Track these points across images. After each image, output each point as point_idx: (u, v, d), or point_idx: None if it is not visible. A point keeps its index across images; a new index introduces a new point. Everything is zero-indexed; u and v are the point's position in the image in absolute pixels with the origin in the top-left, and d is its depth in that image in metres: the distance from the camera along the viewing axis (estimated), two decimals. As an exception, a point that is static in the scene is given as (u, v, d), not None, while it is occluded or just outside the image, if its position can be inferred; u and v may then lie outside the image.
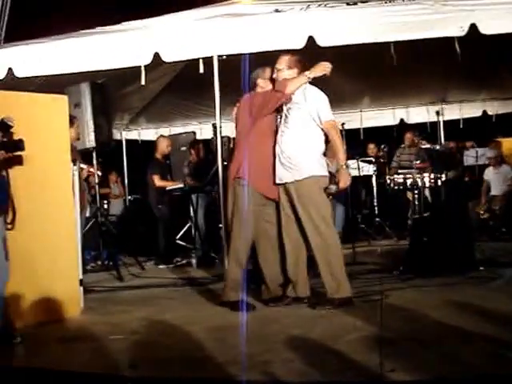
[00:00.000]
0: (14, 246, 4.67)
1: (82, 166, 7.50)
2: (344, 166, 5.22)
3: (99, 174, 8.06)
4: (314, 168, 5.21)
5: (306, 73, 5.33)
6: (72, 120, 6.38)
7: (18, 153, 4.66)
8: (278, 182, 5.29)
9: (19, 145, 4.54)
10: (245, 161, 5.29)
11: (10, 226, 4.68)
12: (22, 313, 4.98)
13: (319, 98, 5.28)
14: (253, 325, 4.64)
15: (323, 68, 5.37)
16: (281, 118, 5.39)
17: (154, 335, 4.67)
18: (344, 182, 5.19)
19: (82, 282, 5.72)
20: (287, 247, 5.33)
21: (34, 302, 5.09)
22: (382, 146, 10.61)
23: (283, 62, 5.38)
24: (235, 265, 5.35)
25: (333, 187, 5.18)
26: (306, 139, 5.26)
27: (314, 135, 5.28)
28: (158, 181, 9.06)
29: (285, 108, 5.34)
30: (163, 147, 9.35)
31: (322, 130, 5.26)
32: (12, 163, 4.77)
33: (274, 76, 5.41)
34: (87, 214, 8.07)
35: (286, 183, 5.25)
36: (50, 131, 5.35)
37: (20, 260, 4.80)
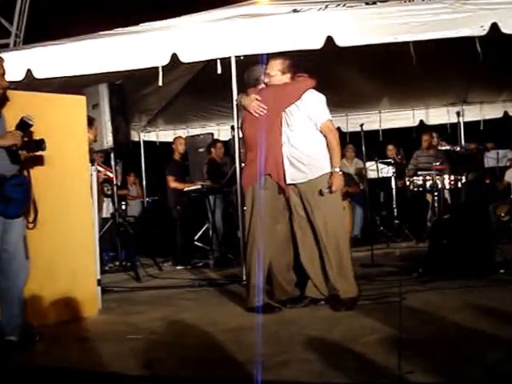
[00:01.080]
0: (34, 246, 4.69)
1: (99, 168, 7.52)
2: (337, 170, 5.14)
3: (111, 175, 8.07)
4: (325, 165, 5.19)
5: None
6: (91, 122, 6.42)
7: (39, 153, 4.70)
8: (289, 182, 5.26)
9: (41, 145, 4.57)
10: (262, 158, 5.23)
11: (31, 226, 4.71)
12: (41, 312, 5.02)
13: (314, 99, 5.23)
14: (270, 326, 4.64)
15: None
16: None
17: (170, 335, 4.69)
18: (336, 186, 5.12)
19: (100, 282, 5.76)
20: (303, 248, 5.31)
21: (53, 301, 5.13)
22: (399, 150, 10.53)
23: (275, 67, 5.29)
24: (256, 273, 5.23)
25: (325, 190, 5.13)
26: (313, 138, 5.23)
27: (320, 133, 5.24)
28: (172, 182, 9.12)
29: (287, 110, 5.28)
30: (178, 147, 9.40)
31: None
32: (33, 163, 4.81)
33: (266, 81, 5.33)
34: (104, 215, 8.15)
35: (297, 183, 5.23)
36: (68, 132, 5.38)
37: (39, 259, 4.83)
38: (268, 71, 5.30)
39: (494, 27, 5.83)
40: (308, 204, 5.19)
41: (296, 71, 5.32)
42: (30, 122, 4.50)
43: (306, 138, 5.24)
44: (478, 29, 5.90)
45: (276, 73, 5.28)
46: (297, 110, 5.23)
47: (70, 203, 5.37)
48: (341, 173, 5.19)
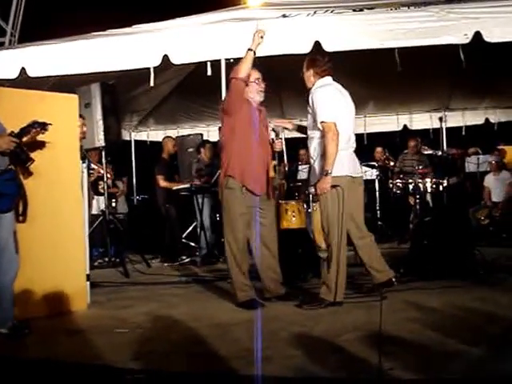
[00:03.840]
0: (24, 240, 4.75)
1: (94, 166, 7.63)
2: (328, 172, 5.10)
3: (108, 174, 8.16)
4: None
5: (250, 47, 5.44)
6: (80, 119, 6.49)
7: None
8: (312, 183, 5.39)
9: (28, 161, 4.66)
10: (231, 160, 5.40)
11: (21, 218, 4.71)
12: (31, 305, 5.08)
13: (318, 99, 5.26)
14: (255, 322, 4.68)
15: (257, 36, 5.48)
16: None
17: (157, 330, 4.75)
18: (320, 189, 5.16)
19: (89, 277, 5.82)
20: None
21: (42, 295, 5.20)
22: (385, 152, 10.67)
23: (304, 66, 5.47)
24: (238, 269, 5.41)
25: (312, 190, 5.25)
26: (320, 141, 5.28)
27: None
28: (161, 181, 9.25)
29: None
30: (169, 147, 9.54)
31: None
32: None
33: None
34: (95, 212, 8.24)
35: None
36: (60, 129, 5.43)
37: (29, 254, 4.88)
38: (302, 69, 5.47)
39: (478, 36, 5.97)
40: None
41: (320, 65, 5.41)
42: (36, 127, 4.60)
43: (315, 142, 5.34)
44: (462, 37, 6.00)
45: (304, 70, 5.45)
46: (310, 114, 5.35)
47: (61, 199, 5.44)
48: (329, 176, 5.12)
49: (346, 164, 5.23)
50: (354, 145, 5.50)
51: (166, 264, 8.68)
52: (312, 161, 5.41)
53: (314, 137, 5.34)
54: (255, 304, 5.30)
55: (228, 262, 5.47)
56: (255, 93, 5.56)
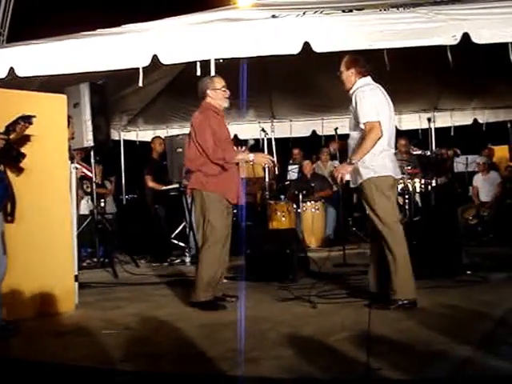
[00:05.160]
0: (12, 241, 4.72)
1: (77, 165, 7.60)
2: (352, 161, 5.11)
3: (89, 174, 8.15)
4: (369, 171, 5.17)
5: (250, 156, 5.63)
6: (68, 120, 6.46)
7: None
8: (351, 185, 5.39)
9: (19, 158, 4.69)
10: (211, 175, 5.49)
11: (9, 219, 4.70)
12: (19, 306, 5.05)
13: (362, 99, 5.16)
14: (243, 322, 4.71)
15: (265, 160, 5.80)
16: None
17: (146, 331, 4.75)
18: (337, 172, 5.23)
19: (77, 278, 5.79)
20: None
21: (30, 296, 5.17)
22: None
23: (342, 64, 5.39)
24: (211, 270, 5.45)
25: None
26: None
27: None
28: (150, 181, 9.27)
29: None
30: (158, 147, 9.56)
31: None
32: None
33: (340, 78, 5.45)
34: (83, 212, 8.23)
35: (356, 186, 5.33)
36: (49, 129, 5.41)
37: (17, 254, 4.86)
38: (339, 68, 5.42)
39: (466, 37, 6.00)
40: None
41: (362, 65, 5.35)
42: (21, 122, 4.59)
43: (357, 141, 5.28)
44: (450, 38, 6.04)
45: (342, 69, 5.37)
46: (352, 115, 5.29)
47: (49, 200, 5.41)
48: (351, 165, 5.14)
49: (388, 164, 5.20)
50: (394, 146, 5.48)
51: (154, 264, 8.67)
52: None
53: (356, 137, 5.27)
54: (216, 305, 5.40)
55: (204, 261, 5.46)
56: (223, 100, 5.65)
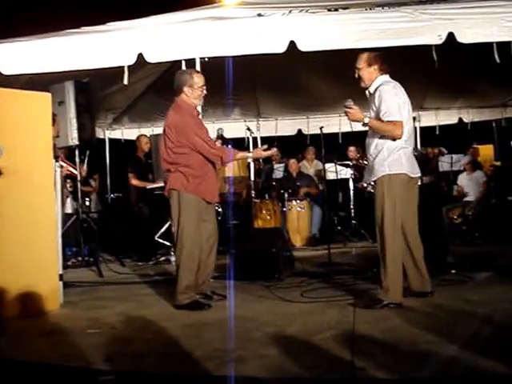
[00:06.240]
0: (-5, 240, 4.72)
1: (62, 163, 7.56)
2: (365, 120, 5.12)
3: (74, 171, 8.11)
4: (383, 168, 5.16)
5: (249, 154, 5.74)
6: (53, 118, 6.44)
7: None
8: (364, 184, 5.36)
9: None
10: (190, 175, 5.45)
11: None
12: (3, 305, 5.06)
13: (386, 97, 5.15)
14: (228, 322, 4.74)
15: (264, 153, 5.75)
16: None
17: (131, 330, 4.73)
18: (349, 112, 5.19)
19: (62, 277, 5.79)
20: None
21: (15, 295, 5.16)
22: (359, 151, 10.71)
23: (362, 61, 5.32)
24: (189, 273, 5.43)
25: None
26: (378, 140, 5.22)
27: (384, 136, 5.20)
28: (133, 179, 9.24)
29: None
30: (143, 145, 9.53)
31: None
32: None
33: (356, 75, 5.39)
34: (68, 211, 8.19)
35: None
36: (33, 128, 5.41)
37: (1, 254, 4.89)
38: (356, 65, 5.35)
39: (451, 37, 6.03)
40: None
41: (383, 62, 5.33)
42: None
43: (374, 142, 5.26)
44: (435, 38, 6.06)
45: (363, 65, 5.31)
46: (372, 113, 5.27)
47: (34, 199, 5.41)
48: (362, 121, 5.14)
49: (404, 162, 5.16)
50: (413, 143, 5.48)
51: (140, 263, 8.65)
52: (371, 158, 5.29)
53: (376, 134, 5.24)
54: (201, 304, 5.39)
55: (181, 264, 5.45)
56: (197, 99, 5.59)
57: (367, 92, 5.43)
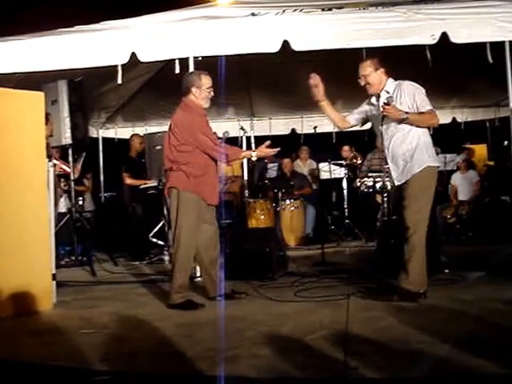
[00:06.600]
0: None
1: (55, 162, 7.55)
2: (404, 116, 5.08)
3: (68, 169, 8.10)
4: (428, 159, 5.25)
5: (253, 153, 5.65)
6: (47, 117, 6.43)
7: None
8: (396, 183, 5.35)
9: None
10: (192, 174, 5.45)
11: None
12: (-5, 305, 5.02)
13: (415, 91, 5.22)
14: (221, 321, 4.74)
15: (267, 151, 5.71)
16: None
17: (124, 330, 4.72)
18: (388, 109, 5.09)
19: (55, 277, 5.78)
20: None
21: (7, 295, 5.14)
22: (352, 150, 10.72)
23: (368, 67, 5.32)
24: (184, 272, 5.46)
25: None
26: (408, 138, 5.25)
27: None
28: (127, 179, 9.22)
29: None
30: (136, 145, 9.52)
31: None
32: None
33: (363, 83, 5.37)
34: (62, 210, 8.18)
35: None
36: (26, 127, 5.40)
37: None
38: (361, 73, 5.35)
39: (444, 37, 6.04)
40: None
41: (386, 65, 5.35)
42: None
43: (408, 139, 5.27)
44: (429, 38, 6.09)
45: (369, 71, 5.30)
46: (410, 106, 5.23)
47: (26, 198, 5.39)
48: (403, 117, 5.10)
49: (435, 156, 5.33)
50: None
51: (133, 263, 8.65)
52: (406, 156, 5.24)
53: (402, 133, 5.23)
54: (195, 304, 5.39)
55: (177, 263, 5.45)
56: (205, 100, 5.59)
57: (373, 98, 5.44)
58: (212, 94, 5.61)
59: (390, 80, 5.35)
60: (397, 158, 5.31)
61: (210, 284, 5.66)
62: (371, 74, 5.33)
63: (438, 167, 5.43)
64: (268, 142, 5.75)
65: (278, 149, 5.81)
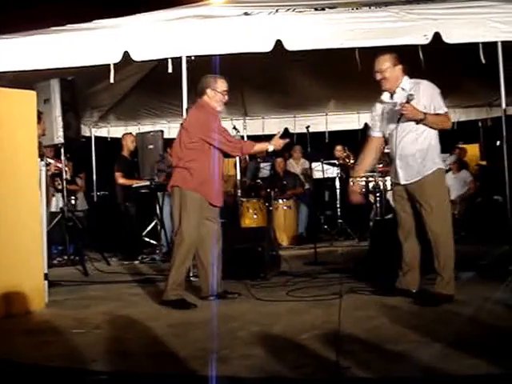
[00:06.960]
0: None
1: (50, 160, 7.54)
2: (421, 116, 5.00)
3: (66, 169, 8.09)
4: (438, 162, 5.25)
5: (270, 147, 5.61)
6: (39, 116, 6.41)
7: None
8: (404, 182, 5.31)
9: None
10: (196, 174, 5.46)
11: None
12: (-13, 305, 5.00)
13: (433, 92, 5.19)
14: (213, 321, 4.75)
15: (282, 142, 5.68)
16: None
17: (116, 330, 4.71)
18: (407, 108, 4.97)
19: (47, 276, 5.76)
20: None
21: (-1, 294, 5.13)
22: (345, 150, 10.72)
23: (387, 62, 5.24)
24: (183, 270, 5.49)
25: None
26: (420, 139, 5.20)
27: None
28: (120, 178, 9.21)
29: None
30: (129, 144, 9.50)
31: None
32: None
33: (379, 77, 5.29)
34: (54, 209, 8.16)
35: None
36: (18, 126, 5.38)
37: (-14, 253, 4.83)
38: (379, 67, 5.26)
39: (437, 37, 6.06)
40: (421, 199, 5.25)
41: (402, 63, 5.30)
42: None
43: (420, 139, 5.23)
44: (421, 38, 6.11)
45: (388, 66, 5.22)
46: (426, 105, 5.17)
47: (19, 197, 5.37)
48: (421, 117, 5.02)
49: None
50: None
51: (125, 262, 8.64)
52: (417, 156, 5.19)
53: (414, 133, 5.18)
54: (185, 304, 5.39)
55: (176, 260, 5.47)
56: (219, 103, 5.64)
57: (385, 95, 5.40)
58: (226, 98, 5.65)
59: (406, 77, 5.29)
60: (406, 158, 5.24)
61: (205, 282, 5.65)
62: (389, 69, 5.25)
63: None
64: (281, 132, 5.76)
65: (288, 139, 5.86)
